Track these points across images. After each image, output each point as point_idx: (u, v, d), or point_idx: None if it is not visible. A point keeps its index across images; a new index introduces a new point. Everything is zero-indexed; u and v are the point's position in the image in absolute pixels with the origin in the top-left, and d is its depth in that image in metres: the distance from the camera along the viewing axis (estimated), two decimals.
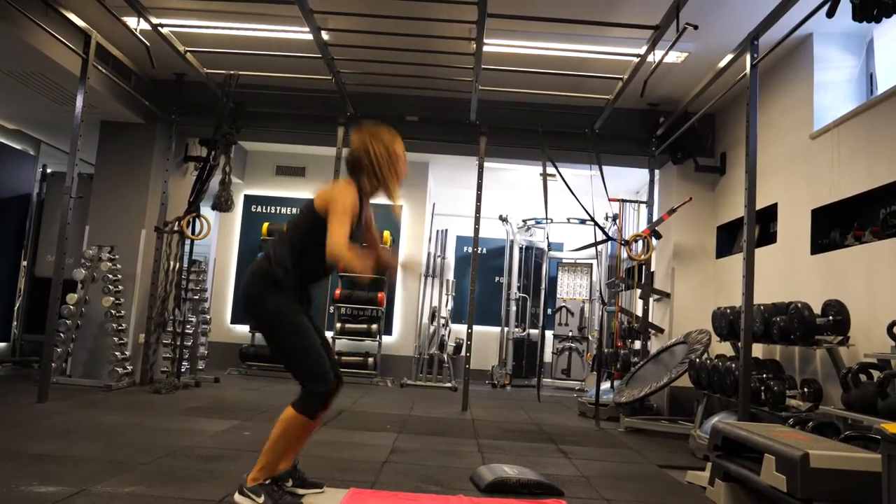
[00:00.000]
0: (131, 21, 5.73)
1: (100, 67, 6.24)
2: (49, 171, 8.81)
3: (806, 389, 4.59)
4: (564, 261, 11.14)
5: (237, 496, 2.89)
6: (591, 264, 10.88)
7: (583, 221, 9.92)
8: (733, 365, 5.13)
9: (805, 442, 3.06)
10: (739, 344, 4.83)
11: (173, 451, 3.94)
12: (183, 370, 7.28)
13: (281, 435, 2.90)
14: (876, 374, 4.06)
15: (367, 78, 6.86)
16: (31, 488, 2.95)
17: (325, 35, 5.71)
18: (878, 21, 3.19)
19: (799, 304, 4.57)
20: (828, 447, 3.02)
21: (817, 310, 4.59)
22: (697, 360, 5.79)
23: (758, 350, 5.46)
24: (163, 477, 3.33)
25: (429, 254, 10.16)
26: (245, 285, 3.03)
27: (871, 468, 2.71)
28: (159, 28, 5.79)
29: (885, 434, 2.29)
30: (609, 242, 9.49)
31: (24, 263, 8.52)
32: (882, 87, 5.17)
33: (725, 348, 6.07)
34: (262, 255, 3.11)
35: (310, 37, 5.64)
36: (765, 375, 4.84)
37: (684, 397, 6.73)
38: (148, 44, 5.97)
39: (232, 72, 6.91)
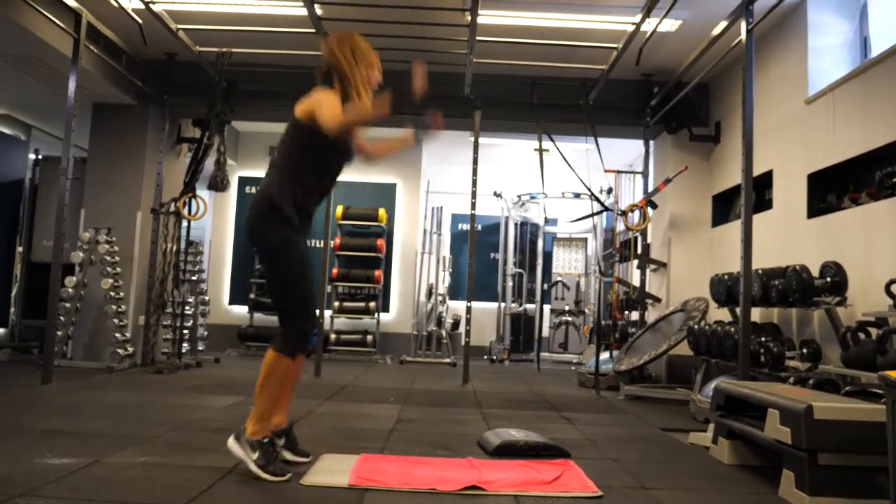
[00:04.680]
0: None
1: (91, 47, 6.18)
2: (41, 156, 8.74)
3: (805, 350, 4.65)
4: (559, 235, 11.17)
5: (231, 441, 2.92)
6: (587, 238, 10.91)
7: (578, 195, 9.95)
8: (732, 329, 5.19)
9: (808, 396, 3.12)
10: (738, 309, 4.88)
11: (182, 425, 3.96)
12: (183, 351, 7.29)
13: (266, 377, 2.92)
14: (874, 332, 4.13)
15: None
16: (46, 460, 2.97)
17: (318, 9, 5.67)
18: None
19: (797, 267, 4.62)
20: (831, 400, 3.08)
21: (815, 272, 4.64)
22: (696, 326, 5.85)
23: (755, 315, 5.50)
24: (174, 448, 3.36)
25: (424, 231, 10.17)
26: (246, 217, 3.04)
27: (874, 418, 2.76)
28: (151, 5, 5.74)
29: (889, 380, 2.33)
30: (605, 216, 9.57)
31: (20, 249, 8.48)
32: (876, 50, 5.18)
33: (723, 315, 6.12)
34: (259, 187, 3.10)
35: (303, 11, 5.60)
36: (763, 338, 4.89)
37: (682, 365, 6.80)
38: (140, 21, 5.91)
39: (224, 49, 6.85)
